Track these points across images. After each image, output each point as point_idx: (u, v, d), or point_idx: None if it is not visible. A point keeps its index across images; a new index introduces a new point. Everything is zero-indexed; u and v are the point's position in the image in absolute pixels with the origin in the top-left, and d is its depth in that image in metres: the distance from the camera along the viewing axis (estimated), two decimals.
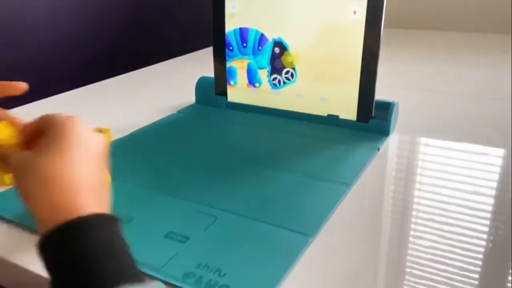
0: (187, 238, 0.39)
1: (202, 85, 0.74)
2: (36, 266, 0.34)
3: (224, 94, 0.72)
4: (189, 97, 0.77)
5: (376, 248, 0.40)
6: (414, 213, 0.44)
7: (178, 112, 0.71)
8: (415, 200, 0.47)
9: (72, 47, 1.00)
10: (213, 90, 0.73)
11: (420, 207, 0.45)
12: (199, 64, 0.89)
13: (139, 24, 1.17)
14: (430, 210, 0.44)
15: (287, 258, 0.36)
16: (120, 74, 0.96)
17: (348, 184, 0.48)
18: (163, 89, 0.88)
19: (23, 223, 0.41)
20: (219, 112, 0.71)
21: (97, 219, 0.28)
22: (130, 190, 0.47)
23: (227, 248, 0.38)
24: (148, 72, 1.00)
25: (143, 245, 0.37)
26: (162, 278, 0.34)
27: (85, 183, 0.29)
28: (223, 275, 0.34)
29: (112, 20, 1.10)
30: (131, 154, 0.56)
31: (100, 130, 0.61)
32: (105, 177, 0.34)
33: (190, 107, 0.73)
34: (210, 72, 0.73)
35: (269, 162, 0.54)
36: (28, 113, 0.39)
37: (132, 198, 0.46)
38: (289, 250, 0.37)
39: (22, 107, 0.72)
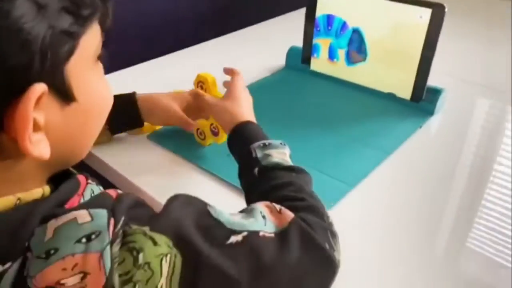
0: None
1: (291, 54, 0.93)
2: None
3: (308, 63, 0.91)
4: (279, 61, 0.96)
5: (408, 208, 0.60)
6: (448, 183, 0.63)
7: (272, 74, 0.92)
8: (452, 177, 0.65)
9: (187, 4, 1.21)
10: (300, 58, 0.92)
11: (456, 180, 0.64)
12: (289, 27, 1.04)
13: None
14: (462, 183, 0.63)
15: (333, 198, 0.58)
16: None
17: (387, 152, 0.67)
18: (255, 51, 1.04)
19: (181, 154, 0.66)
20: (303, 77, 0.90)
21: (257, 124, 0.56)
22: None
23: None
24: (239, 36, 1.15)
25: None
26: None
27: (250, 113, 0.58)
28: None
29: None
30: None
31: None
32: None
33: (282, 70, 0.93)
34: (295, 37, 0.91)
35: (329, 123, 0.74)
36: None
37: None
38: (334, 192, 0.59)
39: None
